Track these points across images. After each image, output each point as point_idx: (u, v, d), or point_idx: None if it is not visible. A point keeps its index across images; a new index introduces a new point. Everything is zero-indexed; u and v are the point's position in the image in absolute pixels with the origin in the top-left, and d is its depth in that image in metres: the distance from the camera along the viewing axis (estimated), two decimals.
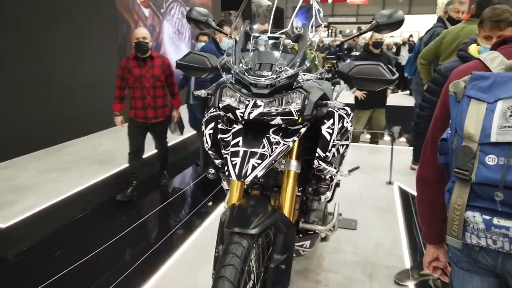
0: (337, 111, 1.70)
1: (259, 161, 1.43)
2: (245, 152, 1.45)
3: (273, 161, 1.46)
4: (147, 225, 3.31)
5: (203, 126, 1.80)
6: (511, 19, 1.96)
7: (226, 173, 1.45)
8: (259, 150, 1.45)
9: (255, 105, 1.47)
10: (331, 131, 1.62)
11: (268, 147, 1.47)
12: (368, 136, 5.83)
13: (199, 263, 2.59)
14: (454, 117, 1.11)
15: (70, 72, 5.62)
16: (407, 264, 2.59)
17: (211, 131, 1.75)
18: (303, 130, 1.54)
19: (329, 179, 1.76)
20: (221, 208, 3.49)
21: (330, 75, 1.71)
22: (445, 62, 2.89)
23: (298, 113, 1.49)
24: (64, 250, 2.81)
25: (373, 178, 4.12)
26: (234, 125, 1.57)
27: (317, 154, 1.61)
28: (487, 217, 1.05)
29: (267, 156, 1.45)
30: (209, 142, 1.74)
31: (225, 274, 1.33)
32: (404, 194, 3.76)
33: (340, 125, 1.68)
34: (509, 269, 1.24)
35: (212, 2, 9.95)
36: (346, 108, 1.67)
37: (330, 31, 24.33)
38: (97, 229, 3.16)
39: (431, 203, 1.43)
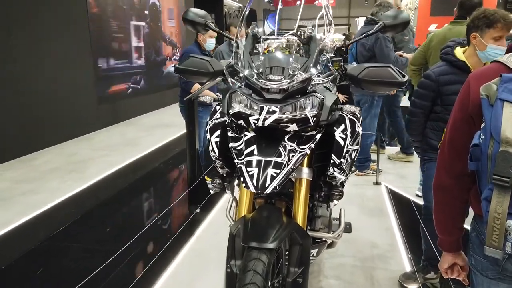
0: (347, 115, 1.65)
1: (277, 171, 1.35)
2: (261, 162, 1.37)
3: (291, 170, 1.38)
4: (133, 237, 3.16)
5: (208, 134, 1.71)
6: None
7: (243, 184, 1.37)
8: (277, 159, 1.38)
9: (270, 111, 1.39)
10: (344, 136, 1.57)
11: (284, 156, 1.39)
12: None
13: (196, 276, 2.49)
14: (488, 121, 1.07)
15: (39, 77, 5.32)
16: (407, 266, 2.58)
17: (217, 139, 1.66)
18: (318, 136, 1.47)
19: (340, 185, 1.71)
20: (213, 215, 3.38)
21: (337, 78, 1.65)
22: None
23: (315, 119, 1.42)
24: (46, 267, 2.62)
25: (361, 179, 4.13)
26: (246, 133, 1.48)
27: (332, 161, 1.55)
28: None
29: (285, 165, 1.37)
30: (216, 151, 1.65)
31: None
32: (392, 194, 3.78)
33: (351, 129, 1.63)
34: None
35: (185, 3, 9.79)
36: (356, 112, 1.62)
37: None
38: (81, 242, 2.98)
39: (450, 211, 1.40)
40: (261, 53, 1.49)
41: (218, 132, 1.66)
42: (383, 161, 4.56)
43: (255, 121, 1.41)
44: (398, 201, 3.63)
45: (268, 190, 1.34)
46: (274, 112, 1.39)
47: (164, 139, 5.99)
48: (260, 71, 1.44)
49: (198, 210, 3.57)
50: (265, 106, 1.40)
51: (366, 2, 25.47)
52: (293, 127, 1.42)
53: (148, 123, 7.24)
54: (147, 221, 3.50)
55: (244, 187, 1.37)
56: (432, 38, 3.47)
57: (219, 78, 3.91)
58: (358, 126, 1.66)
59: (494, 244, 1.07)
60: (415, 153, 3.34)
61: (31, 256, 2.79)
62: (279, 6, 1.69)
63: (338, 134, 1.56)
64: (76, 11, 6.03)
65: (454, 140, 1.32)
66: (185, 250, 2.80)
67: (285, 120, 1.40)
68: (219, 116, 1.74)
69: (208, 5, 13.38)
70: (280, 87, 1.40)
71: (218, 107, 1.81)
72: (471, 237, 1.39)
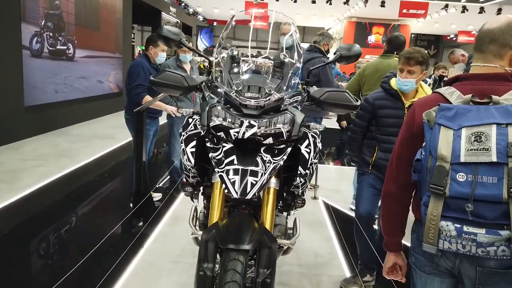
0: (309, 132, 1.86)
1: (256, 179, 1.51)
2: (241, 171, 1.51)
3: (267, 178, 1.54)
4: (83, 251, 3.06)
5: (183, 144, 1.80)
6: (419, 59, 2.40)
7: (225, 190, 1.49)
8: (255, 168, 1.53)
9: (249, 125, 1.55)
10: (309, 150, 1.77)
11: (262, 165, 1.55)
12: None
13: (150, 285, 2.50)
14: (428, 141, 1.31)
15: None
16: (346, 271, 2.84)
17: (193, 149, 1.76)
18: (289, 150, 1.66)
19: (302, 194, 1.90)
20: (161, 228, 3.39)
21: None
22: (369, 92, 3.30)
23: (287, 133, 1.60)
24: None
25: None
26: (224, 144, 1.62)
27: (299, 172, 1.73)
28: (458, 226, 1.25)
29: (262, 173, 1.53)
30: (192, 160, 1.75)
31: None
32: (329, 207, 4.09)
33: (314, 144, 1.83)
34: (464, 270, 1.49)
35: (123, 16, 9.62)
36: (319, 129, 1.83)
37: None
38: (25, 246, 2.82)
39: (395, 215, 1.63)
40: (241, 73, 1.65)
41: (193, 143, 1.77)
42: (319, 177, 4.90)
43: (235, 134, 1.55)
44: (335, 214, 3.94)
45: (249, 196, 1.48)
46: (252, 126, 1.55)
47: (101, 151, 5.80)
48: (239, 88, 1.60)
49: (141, 223, 3.56)
50: (244, 120, 1.55)
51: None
52: (269, 140, 1.59)
53: (82, 134, 6.94)
54: (93, 235, 3.40)
55: (227, 193, 1.49)
56: (366, 68, 3.92)
57: (163, 94, 3.98)
58: (318, 142, 1.88)
59: (430, 241, 1.29)
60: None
61: None
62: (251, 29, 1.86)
63: (303, 148, 1.76)
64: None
65: (400, 155, 1.57)
66: (136, 262, 2.79)
67: (262, 133, 1.56)
68: (192, 128, 1.85)
69: (147, 18, 13.29)
70: (258, 104, 1.57)
71: (190, 120, 1.92)
72: (412, 239, 1.64)
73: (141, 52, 18.70)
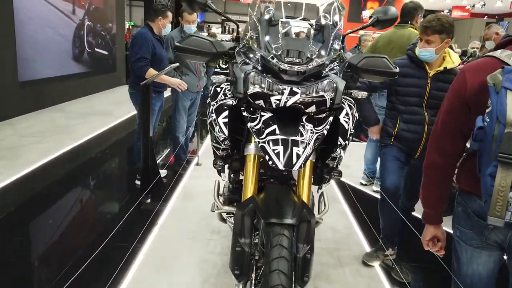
0: (345, 101, 1.76)
1: (301, 149, 1.41)
2: (285, 141, 1.42)
3: (312, 149, 1.45)
4: (84, 232, 2.98)
5: (214, 115, 1.70)
6: (437, 29, 2.28)
7: (270, 162, 1.40)
8: (299, 138, 1.43)
9: (291, 92, 1.44)
10: (347, 119, 1.67)
11: (305, 135, 1.45)
12: None
13: (169, 262, 2.44)
14: (494, 106, 1.21)
15: None
16: (366, 246, 2.81)
17: (225, 120, 1.66)
18: (331, 118, 1.56)
19: (336, 166, 1.82)
20: (173, 204, 3.30)
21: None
22: None
23: (331, 101, 1.51)
24: None
25: None
26: (262, 113, 1.51)
27: (339, 143, 1.65)
28: None
29: (307, 144, 1.44)
30: (226, 131, 1.65)
31: (279, 267, 1.30)
32: (339, 183, 4.04)
33: (351, 114, 1.74)
34: None
35: None
36: (361, 96, 1.72)
37: (224, 27, 24.74)
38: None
39: (439, 187, 1.56)
40: (280, 36, 1.53)
41: (225, 113, 1.66)
42: None
43: (277, 101, 1.45)
44: (347, 189, 3.90)
45: (296, 167, 1.39)
46: (295, 93, 1.44)
47: (100, 127, 5.64)
48: (279, 53, 1.48)
49: (149, 200, 3.47)
50: (287, 87, 1.44)
51: (289, 4, 26.35)
52: (311, 108, 1.49)
53: (78, 110, 6.74)
54: (104, 213, 3.31)
55: (271, 164, 1.40)
56: (379, 39, 3.79)
57: (172, 66, 3.82)
58: (355, 112, 1.78)
59: (497, 214, 1.20)
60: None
61: None
62: None
63: (342, 117, 1.66)
64: None
65: (448, 124, 1.48)
66: (152, 238, 2.72)
67: (305, 101, 1.46)
68: (222, 97, 1.74)
69: None
70: (299, 70, 1.46)
71: (218, 89, 1.81)
72: (457, 212, 1.58)
73: (130, 27, 18.21)
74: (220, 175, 2.03)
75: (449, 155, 1.51)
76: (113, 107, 7.08)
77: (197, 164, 4.30)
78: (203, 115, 2.94)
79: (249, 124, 1.52)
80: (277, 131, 1.44)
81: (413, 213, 2.65)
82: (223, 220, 2.18)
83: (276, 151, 1.40)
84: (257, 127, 1.50)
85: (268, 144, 1.43)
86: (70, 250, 2.60)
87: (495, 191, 1.19)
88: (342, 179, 4.02)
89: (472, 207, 1.49)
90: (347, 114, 1.69)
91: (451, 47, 2.58)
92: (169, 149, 5.00)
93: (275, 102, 1.46)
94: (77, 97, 7.59)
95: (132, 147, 4.09)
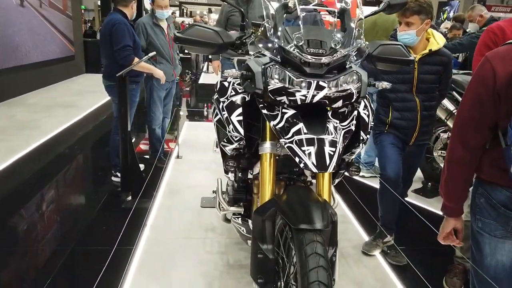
0: None
1: (333, 149, 1.32)
2: (315, 140, 1.31)
3: (342, 147, 1.36)
4: (73, 231, 2.76)
5: (225, 113, 1.56)
6: (415, 9, 2.24)
7: (302, 165, 1.29)
8: (329, 137, 1.33)
9: (319, 87, 1.33)
10: (367, 112, 1.60)
11: (335, 133, 1.36)
12: None
13: (165, 265, 2.30)
14: None
15: None
16: (363, 234, 2.80)
17: (240, 118, 1.53)
18: (355, 113, 1.47)
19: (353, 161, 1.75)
20: (160, 202, 3.13)
21: None
22: None
23: (357, 95, 1.41)
24: None
25: None
26: (284, 110, 1.40)
27: (361, 137, 1.57)
28: None
29: (337, 142, 1.34)
30: (241, 130, 1.52)
31: (319, 278, 1.21)
32: None
33: (370, 106, 1.66)
34: None
35: None
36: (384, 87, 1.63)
37: (182, 10, 24.08)
38: None
39: (462, 181, 1.52)
40: (301, 24, 1.40)
41: (239, 110, 1.54)
42: None
43: (303, 97, 1.34)
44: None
45: (330, 169, 1.29)
46: (322, 87, 1.34)
47: (66, 121, 5.29)
48: (300, 43, 1.36)
49: (130, 198, 3.29)
50: (313, 81, 1.33)
51: None
52: (338, 103, 1.39)
53: (40, 102, 6.29)
54: (79, 214, 3.09)
55: (303, 167, 1.30)
56: (364, 22, 3.73)
57: (150, 54, 3.61)
58: (371, 103, 1.71)
59: None
60: None
61: None
62: None
63: (362, 111, 1.58)
64: None
65: (475, 116, 1.42)
66: (143, 241, 2.56)
67: (333, 96, 1.36)
68: (233, 92, 1.60)
69: None
70: (324, 62, 1.35)
71: (225, 83, 1.67)
72: (480, 203, 1.55)
73: (83, 11, 17.18)
74: (226, 175, 1.90)
75: (474, 148, 1.46)
76: (75, 98, 6.68)
77: (178, 157, 4.12)
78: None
79: (271, 123, 1.40)
80: (305, 130, 1.34)
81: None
82: (227, 220, 2.07)
83: (307, 152, 1.30)
84: (280, 125, 1.39)
85: (296, 144, 1.32)
86: (47, 258, 2.40)
87: None
88: None
89: (498, 198, 1.46)
90: (365, 106, 1.62)
91: None
92: (144, 142, 4.77)
93: (300, 98, 1.35)
94: (35, 88, 7.08)
95: (103, 141, 3.85)
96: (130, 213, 2.68)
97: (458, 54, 5.07)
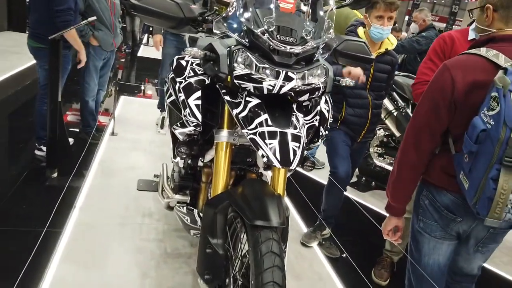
0: None
1: (298, 144, 1.26)
2: (281, 134, 1.24)
3: (305, 143, 1.31)
4: None
5: (182, 95, 1.43)
6: (397, 4, 2.30)
7: (265, 159, 1.21)
8: (294, 131, 1.27)
9: (287, 78, 1.26)
10: (328, 108, 1.56)
11: (299, 127, 1.30)
12: None
13: (98, 252, 2.13)
14: (503, 110, 1.18)
15: None
16: (302, 226, 2.82)
17: (198, 102, 1.41)
18: (319, 108, 1.42)
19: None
20: (91, 182, 2.89)
21: None
22: None
23: (324, 89, 1.36)
24: None
25: None
26: (248, 99, 1.31)
27: (320, 133, 1.53)
28: None
29: (301, 137, 1.28)
30: (199, 116, 1.40)
31: (274, 279, 1.16)
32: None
33: (330, 102, 1.63)
34: (475, 232, 1.53)
35: None
36: (351, 84, 1.59)
37: None
38: None
39: (410, 183, 1.57)
40: (273, 9, 1.30)
41: (198, 94, 1.41)
42: None
43: (270, 87, 1.26)
44: None
45: (293, 166, 1.23)
46: (291, 79, 1.27)
47: None
48: (271, 29, 1.27)
49: (55, 175, 3.01)
50: (281, 71, 1.26)
51: None
52: (304, 97, 1.33)
53: None
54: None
55: (266, 161, 1.22)
56: None
57: (90, 19, 3.30)
58: (331, 99, 1.68)
59: (495, 215, 1.23)
60: None
61: None
62: None
63: (322, 106, 1.54)
64: None
65: (431, 124, 1.44)
66: (71, 225, 2.33)
67: (299, 89, 1.30)
68: (192, 73, 1.47)
69: None
70: (293, 51, 1.28)
71: (183, 61, 1.53)
72: (423, 205, 1.61)
73: None
74: (173, 160, 1.78)
75: (425, 153, 1.50)
76: None
77: (113, 133, 3.84)
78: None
79: (233, 111, 1.30)
80: (269, 122, 1.26)
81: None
82: (170, 208, 1.95)
83: (271, 146, 1.22)
84: (243, 114, 1.30)
85: (260, 136, 1.24)
86: None
87: (497, 194, 1.20)
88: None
89: (442, 201, 1.52)
90: (326, 101, 1.58)
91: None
92: (73, 114, 4.38)
93: (267, 88, 1.26)
94: None
95: (25, 109, 3.45)
96: (60, 193, 2.43)
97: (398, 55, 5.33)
